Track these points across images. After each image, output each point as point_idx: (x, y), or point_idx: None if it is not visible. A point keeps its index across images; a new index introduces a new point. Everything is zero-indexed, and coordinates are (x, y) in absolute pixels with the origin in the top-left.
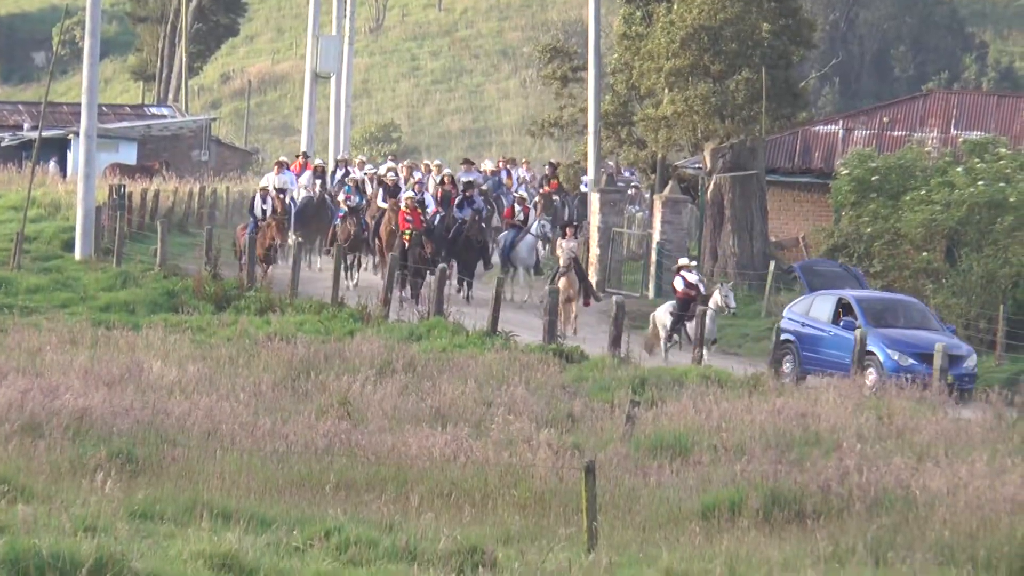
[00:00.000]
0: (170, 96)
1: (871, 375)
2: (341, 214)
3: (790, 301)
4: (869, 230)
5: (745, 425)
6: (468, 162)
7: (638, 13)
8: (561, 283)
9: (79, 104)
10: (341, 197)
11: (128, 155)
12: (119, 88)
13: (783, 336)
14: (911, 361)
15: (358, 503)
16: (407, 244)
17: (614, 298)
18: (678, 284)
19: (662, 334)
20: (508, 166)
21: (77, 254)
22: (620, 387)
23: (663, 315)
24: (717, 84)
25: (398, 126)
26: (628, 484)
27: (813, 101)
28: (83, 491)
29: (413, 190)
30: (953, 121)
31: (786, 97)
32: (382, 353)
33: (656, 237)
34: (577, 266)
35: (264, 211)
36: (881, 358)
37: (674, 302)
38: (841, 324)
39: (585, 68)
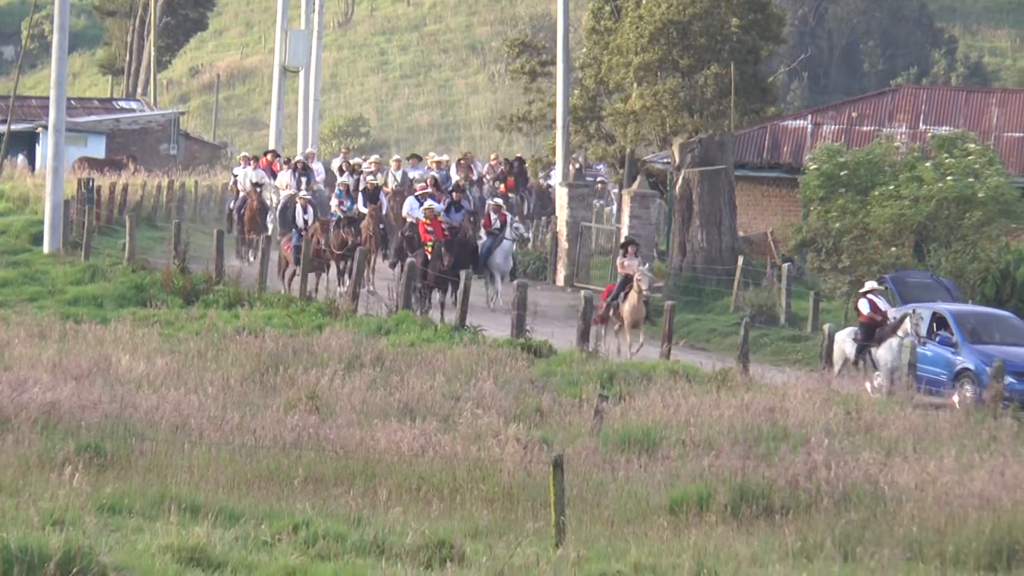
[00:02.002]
0: (139, 90)
1: (967, 392)
2: (334, 219)
3: (758, 296)
4: (838, 225)
5: (713, 420)
6: (416, 157)
7: (607, 8)
8: (628, 306)
9: (48, 98)
10: (334, 203)
11: (97, 149)
12: (88, 82)
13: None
14: (1010, 379)
15: (326, 497)
16: (429, 256)
17: (582, 293)
18: (863, 307)
19: (838, 363)
20: (468, 161)
21: (45, 248)
22: (588, 382)
23: (845, 341)
24: (686, 79)
25: (367, 120)
26: (596, 479)
27: (782, 96)
28: (51, 485)
29: (431, 197)
30: (922, 116)
31: (755, 92)
32: (350, 347)
33: (625, 232)
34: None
35: (306, 221)
36: (979, 375)
37: (856, 327)
38: (937, 339)
39: (554, 63)
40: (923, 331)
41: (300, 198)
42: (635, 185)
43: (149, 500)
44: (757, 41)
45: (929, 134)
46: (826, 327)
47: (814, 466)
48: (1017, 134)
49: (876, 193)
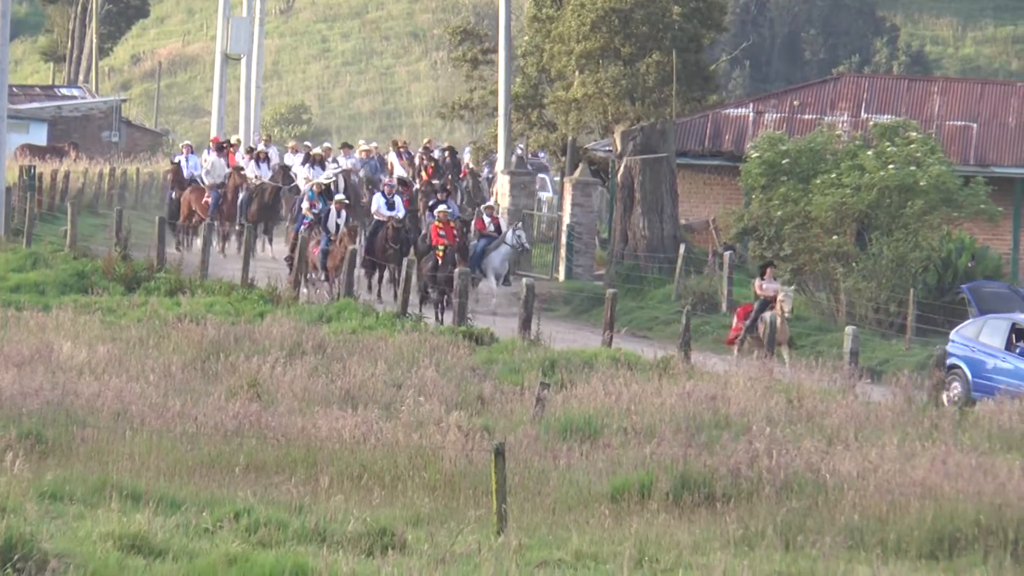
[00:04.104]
0: (80, 77)
1: None
2: (306, 221)
3: (700, 284)
4: (779, 213)
5: (655, 408)
6: (347, 146)
7: None
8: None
9: None
10: (305, 204)
11: (38, 136)
12: (29, 69)
13: (950, 360)
14: None
15: (268, 485)
16: (440, 260)
17: (524, 280)
18: None
19: None
20: (403, 149)
21: None
22: (530, 369)
23: None
24: (627, 67)
25: (308, 108)
26: (538, 467)
27: (724, 84)
28: None
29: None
30: (864, 104)
31: (697, 80)
32: (292, 335)
33: (566, 220)
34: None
35: (338, 224)
36: None
37: None
38: (1018, 351)
39: (495, 51)
40: None
41: (336, 202)
42: (577, 173)
43: (90, 487)
44: (699, 29)
45: (871, 122)
46: (767, 315)
47: (756, 454)
48: (959, 122)
49: (818, 181)
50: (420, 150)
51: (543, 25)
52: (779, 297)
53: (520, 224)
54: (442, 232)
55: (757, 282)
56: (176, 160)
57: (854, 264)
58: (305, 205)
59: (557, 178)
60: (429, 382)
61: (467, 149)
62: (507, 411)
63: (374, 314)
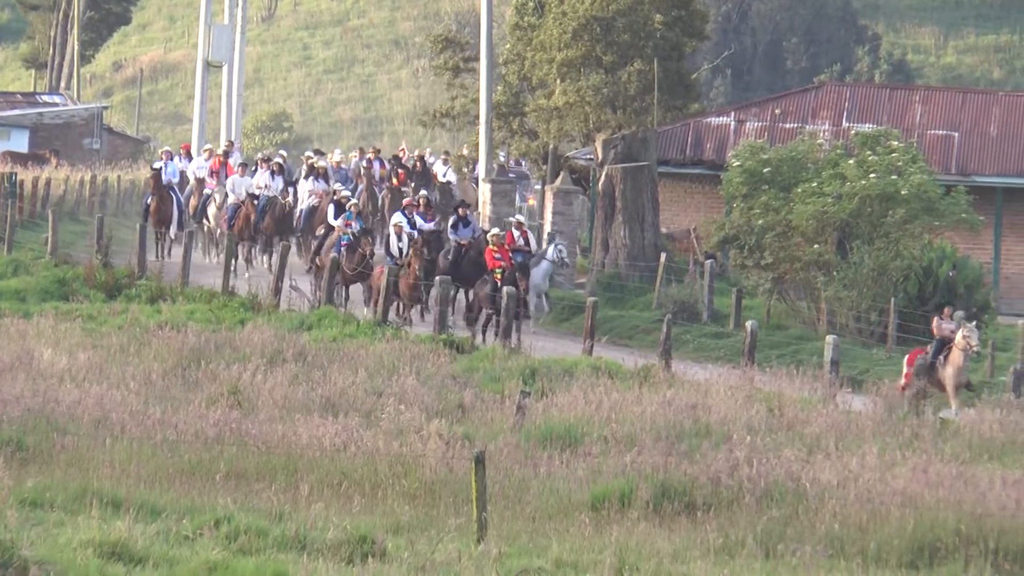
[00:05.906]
0: (62, 84)
1: None
2: (345, 242)
3: (681, 293)
4: (760, 222)
5: (635, 416)
6: (319, 152)
7: (530, 4)
8: (952, 368)
9: None
10: (340, 223)
11: (20, 143)
12: (11, 76)
13: None
14: None
15: (248, 492)
16: (499, 283)
17: (505, 289)
18: None
19: None
20: (375, 157)
21: None
22: (510, 378)
23: None
24: (609, 75)
25: (290, 115)
26: (518, 475)
27: (705, 93)
28: None
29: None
30: (845, 113)
31: (678, 88)
32: (272, 342)
33: (547, 228)
34: None
35: (401, 249)
36: None
37: None
38: None
39: (477, 59)
40: None
41: (395, 225)
42: (558, 181)
43: (71, 494)
44: (680, 38)
45: (852, 131)
46: (748, 324)
47: (736, 463)
48: (940, 131)
49: (799, 190)
50: (391, 158)
51: (525, 33)
52: (963, 333)
53: (561, 239)
54: (498, 255)
55: (935, 322)
56: (156, 166)
57: (835, 273)
58: (340, 223)
59: (537, 187)
60: (410, 390)
61: (441, 158)
62: (487, 419)
63: (355, 322)
